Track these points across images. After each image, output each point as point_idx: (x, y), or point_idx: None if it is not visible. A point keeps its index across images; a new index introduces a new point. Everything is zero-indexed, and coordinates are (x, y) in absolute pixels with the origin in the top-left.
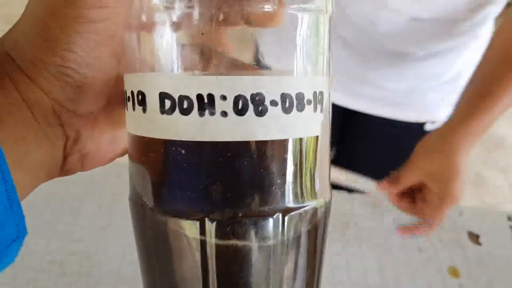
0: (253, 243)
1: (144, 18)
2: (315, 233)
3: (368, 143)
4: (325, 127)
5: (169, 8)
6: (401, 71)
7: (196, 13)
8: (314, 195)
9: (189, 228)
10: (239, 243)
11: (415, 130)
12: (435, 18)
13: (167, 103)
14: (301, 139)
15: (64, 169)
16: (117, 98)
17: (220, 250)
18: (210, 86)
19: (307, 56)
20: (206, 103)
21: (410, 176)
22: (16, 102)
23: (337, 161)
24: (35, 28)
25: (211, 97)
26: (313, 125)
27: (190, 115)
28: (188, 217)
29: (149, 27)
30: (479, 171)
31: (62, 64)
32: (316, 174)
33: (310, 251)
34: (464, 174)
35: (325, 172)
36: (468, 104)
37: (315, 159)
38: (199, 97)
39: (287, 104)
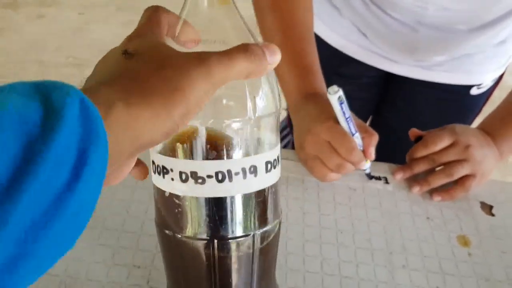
0: (232, 253)
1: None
2: (268, 245)
3: (410, 106)
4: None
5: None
6: (447, 44)
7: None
8: (264, 223)
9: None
10: (226, 254)
11: (460, 94)
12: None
13: (183, 176)
14: (254, 194)
15: None
16: None
17: (217, 258)
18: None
19: (250, 148)
20: (202, 177)
21: (449, 136)
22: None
23: (375, 123)
24: None
25: (194, 173)
26: (267, 182)
27: (188, 182)
28: (198, 239)
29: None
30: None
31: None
32: (268, 209)
33: (264, 255)
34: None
35: (276, 204)
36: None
37: (266, 201)
38: (193, 173)
39: (247, 173)
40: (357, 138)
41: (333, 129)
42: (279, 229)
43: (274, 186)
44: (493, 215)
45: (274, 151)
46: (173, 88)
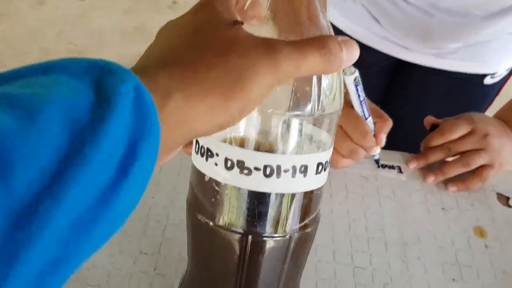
0: (265, 251)
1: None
2: (303, 248)
3: (420, 95)
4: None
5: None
6: (462, 31)
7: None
8: (303, 226)
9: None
10: (258, 251)
11: (473, 83)
12: None
13: (229, 163)
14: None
15: None
16: None
17: (249, 253)
18: (246, 156)
19: (305, 146)
20: (249, 168)
21: (466, 125)
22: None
23: (385, 112)
24: None
25: (241, 162)
26: (315, 184)
27: (233, 170)
28: (232, 231)
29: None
30: None
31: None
32: (310, 212)
33: (296, 257)
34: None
35: (318, 208)
36: None
37: (310, 204)
38: (239, 162)
39: (297, 172)
40: (370, 123)
41: (346, 113)
42: (315, 232)
43: (320, 190)
44: (510, 206)
45: (327, 153)
46: (235, 80)
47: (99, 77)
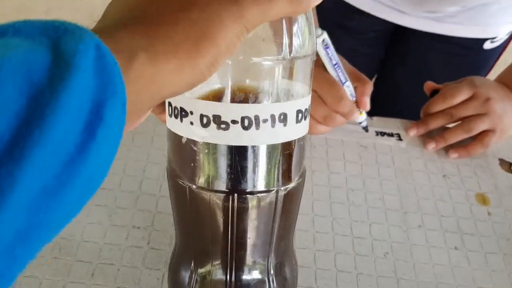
0: (253, 209)
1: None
2: (291, 203)
3: (419, 61)
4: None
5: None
6: None
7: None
8: (288, 179)
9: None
10: (245, 210)
11: (473, 48)
12: None
13: (204, 120)
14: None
15: None
16: None
17: (236, 213)
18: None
19: (281, 93)
20: (226, 121)
21: (468, 89)
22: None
23: (381, 80)
24: None
25: (217, 117)
26: (296, 133)
27: (210, 127)
28: (216, 191)
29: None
30: None
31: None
32: (294, 164)
33: (286, 214)
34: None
35: (302, 160)
36: None
37: (293, 155)
38: (215, 116)
39: (276, 121)
40: (348, 87)
41: (320, 76)
42: (303, 187)
43: (303, 140)
44: None
45: (305, 100)
46: (201, 33)
47: (56, 37)
